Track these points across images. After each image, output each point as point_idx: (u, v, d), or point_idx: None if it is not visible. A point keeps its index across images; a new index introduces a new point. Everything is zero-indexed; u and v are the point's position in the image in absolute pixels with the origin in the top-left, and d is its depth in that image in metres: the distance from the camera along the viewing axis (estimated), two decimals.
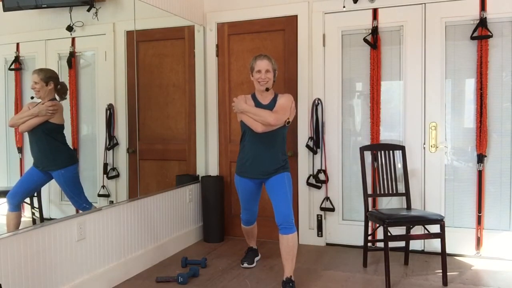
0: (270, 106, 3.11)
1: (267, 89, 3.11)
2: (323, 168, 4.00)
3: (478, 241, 3.63)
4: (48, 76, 2.78)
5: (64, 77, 2.96)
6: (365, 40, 3.80)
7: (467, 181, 3.66)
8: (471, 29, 3.56)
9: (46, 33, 2.88)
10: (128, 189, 3.46)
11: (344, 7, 3.84)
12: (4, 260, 2.36)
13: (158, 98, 3.94)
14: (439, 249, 3.19)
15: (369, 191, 3.64)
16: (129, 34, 3.43)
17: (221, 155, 4.39)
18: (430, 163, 3.72)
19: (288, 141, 3.58)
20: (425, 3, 3.68)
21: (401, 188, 3.57)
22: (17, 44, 2.72)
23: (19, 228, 2.61)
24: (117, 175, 3.37)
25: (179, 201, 4.02)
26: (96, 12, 3.08)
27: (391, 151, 3.56)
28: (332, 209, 3.98)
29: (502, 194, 3.58)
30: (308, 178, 4.04)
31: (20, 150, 2.78)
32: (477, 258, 3.61)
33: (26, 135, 2.75)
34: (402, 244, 3.48)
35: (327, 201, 4.00)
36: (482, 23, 3.50)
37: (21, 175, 2.80)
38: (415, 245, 3.73)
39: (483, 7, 3.52)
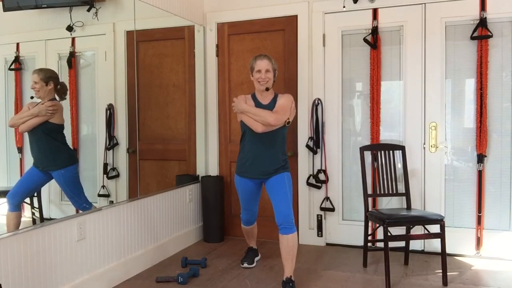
0: (270, 106, 3.11)
1: (267, 89, 3.11)
2: (323, 168, 4.00)
3: (478, 241, 3.63)
4: (48, 76, 2.78)
5: (64, 77, 2.96)
6: (365, 40, 3.80)
7: (467, 181, 3.66)
8: (471, 29, 3.56)
9: (46, 33, 2.88)
10: (128, 189, 3.46)
11: (344, 7, 3.84)
12: (4, 260, 2.36)
13: (158, 98, 3.94)
14: (439, 249, 3.19)
15: (369, 191, 3.64)
16: (129, 34, 3.43)
17: (221, 155, 4.39)
18: (430, 163, 3.72)
19: (288, 141, 3.58)
20: (425, 3, 3.68)
21: (401, 188, 3.57)
22: (17, 44, 2.72)
23: (19, 228, 2.61)
24: (117, 175, 3.37)
25: (179, 201, 4.02)
26: (96, 12, 3.08)
27: (391, 151, 3.56)
28: (332, 209, 3.98)
29: (502, 194, 3.58)
30: (308, 178, 4.04)
31: (20, 150, 2.78)
32: (477, 258, 3.61)
33: (26, 135, 2.75)
34: (402, 244, 3.48)
35: (327, 201, 4.00)
36: (482, 23, 3.50)
37: (21, 175, 2.80)
38: (415, 245, 3.73)
39: (483, 7, 3.52)
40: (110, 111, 3.33)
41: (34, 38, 2.82)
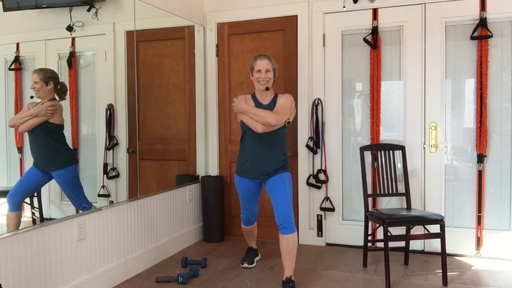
0: (270, 106, 3.12)
1: (267, 89, 3.11)
2: (323, 168, 4.00)
3: (478, 241, 3.63)
4: (48, 76, 2.78)
5: (64, 77, 2.96)
6: (365, 40, 3.80)
7: (467, 181, 3.66)
8: (471, 29, 3.56)
9: (46, 33, 2.88)
10: (128, 189, 3.46)
11: (344, 7, 3.84)
12: (4, 260, 2.36)
13: (158, 98, 3.94)
14: (439, 249, 3.19)
15: (369, 191, 3.64)
16: (129, 34, 3.43)
17: (221, 155, 4.39)
18: (430, 163, 3.72)
19: (288, 141, 3.58)
20: (425, 3, 3.68)
21: (401, 188, 3.57)
22: (17, 44, 2.72)
23: (19, 228, 2.61)
24: (117, 175, 3.37)
25: (179, 201, 4.02)
26: (96, 12, 3.08)
27: (391, 151, 3.56)
28: (332, 209, 3.98)
29: (502, 194, 3.58)
30: (308, 178, 4.04)
31: (20, 150, 2.78)
32: (477, 258, 3.61)
33: (26, 135, 2.75)
34: (402, 244, 3.48)
35: (327, 201, 4.00)
36: (482, 23, 3.50)
37: (21, 175, 2.79)
38: (415, 245, 3.73)
39: (483, 7, 3.52)
40: (110, 111, 3.33)
41: (34, 38, 2.82)
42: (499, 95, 3.55)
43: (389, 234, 3.08)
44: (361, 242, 3.61)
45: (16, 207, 2.70)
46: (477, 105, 3.57)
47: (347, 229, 3.98)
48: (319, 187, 4.00)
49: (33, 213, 2.82)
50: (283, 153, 3.18)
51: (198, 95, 4.31)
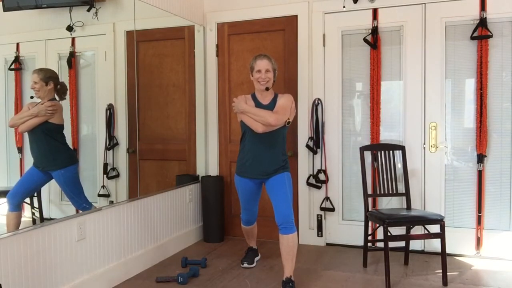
0: (270, 106, 3.12)
1: (267, 89, 3.11)
2: (323, 168, 4.00)
3: (478, 241, 3.63)
4: (48, 76, 2.78)
5: (64, 77, 2.96)
6: (365, 40, 3.80)
7: (467, 181, 3.66)
8: (471, 29, 3.56)
9: (46, 33, 2.88)
10: (128, 189, 3.46)
11: (344, 7, 3.84)
12: (4, 260, 2.36)
13: (158, 98, 3.94)
14: (439, 249, 3.19)
15: (369, 191, 3.64)
16: (129, 34, 3.43)
17: (221, 155, 4.39)
18: (430, 163, 3.72)
19: (288, 141, 3.58)
20: (425, 3, 3.68)
21: (401, 188, 3.57)
22: (17, 44, 2.72)
23: (19, 228, 2.61)
24: (117, 175, 3.37)
25: (179, 201, 4.02)
26: (96, 12, 3.08)
27: (391, 151, 3.56)
28: (332, 209, 3.98)
29: (502, 194, 3.58)
30: (308, 178, 4.04)
31: (20, 150, 2.78)
32: (477, 258, 3.61)
33: (26, 135, 2.75)
34: (402, 244, 3.48)
35: (327, 201, 4.00)
36: (482, 23, 3.50)
37: (21, 175, 2.79)
38: (415, 245, 3.73)
39: (483, 7, 3.52)
40: (110, 111, 3.33)
41: (34, 38, 2.82)
42: (499, 95, 3.55)
43: (389, 234, 3.08)
44: (361, 242, 3.61)
45: (16, 207, 2.70)
46: (477, 105, 3.57)
47: (347, 229, 3.98)
48: (319, 187, 4.00)
49: (33, 213, 2.82)
50: (283, 153, 3.18)
51: (198, 95, 4.31)
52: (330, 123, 3.98)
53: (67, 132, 2.95)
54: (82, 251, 2.90)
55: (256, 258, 3.63)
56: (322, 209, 4.02)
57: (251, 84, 3.31)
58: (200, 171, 4.36)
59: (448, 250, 3.36)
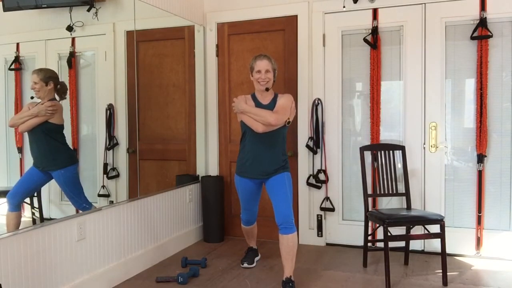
0: (270, 106, 3.12)
1: (267, 89, 3.11)
2: (323, 168, 4.00)
3: (478, 241, 3.63)
4: (48, 76, 2.78)
5: (64, 77, 2.96)
6: (365, 40, 3.80)
7: (467, 181, 3.66)
8: (471, 29, 3.56)
9: (46, 33, 2.88)
10: (128, 189, 3.46)
11: (344, 7, 3.84)
12: (4, 260, 2.36)
13: (158, 98, 3.94)
14: (439, 249, 3.19)
15: (369, 191, 3.64)
16: (129, 34, 3.43)
17: (221, 155, 4.39)
18: (430, 163, 3.72)
19: (288, 141, 3.58)
20: (425, 3, 3.68)
21: (401, 188, 3.57)
22: (17, 44, 2.72)
23: (19, 228, 2.61)
24: (117, 175, 3.37)
25: (179, 201, 4.02)
26: (96, 12, 3.08)
27: (391, 151, 3.56)
28: (332, 209, 3.98)
29: (502, 194, 3.58)
30: (308, 178, 4.04)
31: (20, 150, 2.78)
32: (477, 258, 3.61)
33: (26, 135, 2.75)
34: (402, 244, 3.48)
35: (327, 201, 4.00)
36: (482, 23, 3.50)
37: (21, 175, 2.79)
38: (415, 245, 3.73)
39: (483, 7, 3.52)
40: (110, 111, 3.33)
41: (34, 38, 2.82)
42: (499, 95, 3.55)
43: (389, 234, 3.08)
44: (361, 242, 3.61)
45: (16, 207, 2.71)
46: (477, 105, 3.57)
47: (347, 229, 3.98)
48: (319, 187, 4.00)
49: (33, 213, 2.82)
50: (283, 153, 3.18)
51: (198, 95, 4.31)
52: (330, 123, 3.98)
53: (67, 132, 2.95)
54: (82, 251, 2.90)
55: (256, 258, 3.63)
56: (322, 209, 4.02)
57: (251, 84, 3.31)
58: (200, 171, 4.36)
59: (448, 250, 3.36)
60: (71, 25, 2.94)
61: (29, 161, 2.76)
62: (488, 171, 3.60)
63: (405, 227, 3.43)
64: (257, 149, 3.13)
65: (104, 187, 3.25)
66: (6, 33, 2.65)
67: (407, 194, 3.51)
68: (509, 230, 3.56)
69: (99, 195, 3.23)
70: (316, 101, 3.97)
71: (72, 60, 3.00)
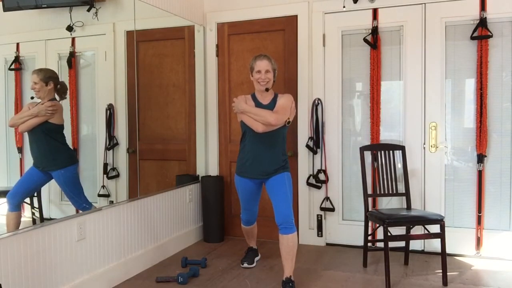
0: (270, 106, 3.12)
1: (267, 89, 3.11)
2: (323, 168, 4.00)
3: (478, 241, 3.63)
4: (48, 76, 2.78)
5: (64, 77, 2.96)
6: (365, 40, 3.80)
7: (467, 181, 3.66)
8: (471, 29, 3.56)
9: (46, 33, 2.88)
10: (128, 189, 3.46)
11: (344, 7, 3.84)
12: (4, 260, 2.36)
13: (158, 98, 3.94)
14: (439, 249, 3.19)
15: (369, 191, 3.64)
16: (129, 34, 3.43)
17: (221, 155, 4.39)
18: (430, 163, 3.72)
19: (288, 141, 3.58)
20: (425, 3, 3.68)
21: (401, 188, 3.57)
22: (17, 44, 2.72)
23: (19, 228, 2.61)
24: (117, 175, 3.37)
25: (179, 201, 4.02)
26: (96, 12, 3.08)
27: (391, 151, 3.56)
28: (332, 209, 3.98)
29: (502, 194, 3.58)
30: (308, 178, 4.04)
31: (20, 150, 2.78)
32: (477, 258, 3.61)
33: (26, 135, 2.75)
34: (402, 244, 3.48)
35: (327, 201, 4.00)
36: (482, 23, 3.50)
37: (21, 175, 2.80)
38: (415, 245, 3.73)
39: (483, 7, 3.52)
40: (110, 111, 3.33)
41: (34, 38, 2.82)
42: (499, 95, 3.55)
43: (389, 234, 3.08)
44: (361, 242, 3.61)
45: (16, 207, 2.71)
46: (477, 105, 3.57)
47: (347, 229, 3.98)
48: (319, 187, 4.00)
49: (33, 213, 2.82)
50: (283, 153, 3.18)
51: (198, 95, 4.31)
52: (330, 123, 3.98)
53: (67, 132, 2.95)
54: (82, 251, 2.90)
55: (256, 258, 3.63)
56: (322, 209, 4.02)
57: (251, 84, 3.31)
58: (200, 171, 4.36)
59: (448, 250, 3.36)
60: (71, 25, 2.94)
61: (29, 161, 2.77)
62: (488, 171, 3.60)
63: (405, 227, 3.43)
64: (257, 149, 3.13)
65: (104, 187, 3.25)
66: (6, 33, 2.65)
67: (407, 194, 3.51)
68: (509, 230, 3.57)
69: (99, 195, 3.23)
70: (316, 101, 3.97)
71: (72, 60, 3.00)
